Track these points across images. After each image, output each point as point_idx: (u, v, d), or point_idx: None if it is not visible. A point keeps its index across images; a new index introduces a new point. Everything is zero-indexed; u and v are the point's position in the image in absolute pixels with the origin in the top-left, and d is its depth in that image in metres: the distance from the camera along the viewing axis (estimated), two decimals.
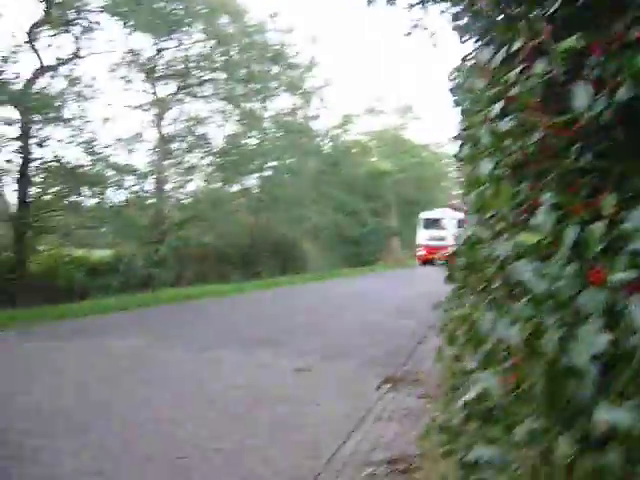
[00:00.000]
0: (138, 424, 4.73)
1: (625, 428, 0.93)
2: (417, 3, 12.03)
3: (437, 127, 79.86)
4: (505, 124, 2.16)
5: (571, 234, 1.60)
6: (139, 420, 4.84)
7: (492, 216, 2.31)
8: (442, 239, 34.41)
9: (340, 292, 17.21)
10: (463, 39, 3.16)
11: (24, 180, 16.76)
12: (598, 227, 1.56)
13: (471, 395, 1.59)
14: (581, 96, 1.72)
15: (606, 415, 0.98)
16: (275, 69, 28.33)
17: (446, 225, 35.20)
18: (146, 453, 4.08)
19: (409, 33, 13.38)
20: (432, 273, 25.48)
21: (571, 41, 1.75)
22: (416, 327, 9.86)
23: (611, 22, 1.80)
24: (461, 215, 37.20)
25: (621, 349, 1.31)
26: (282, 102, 31.23)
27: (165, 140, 23.67)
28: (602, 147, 1.88)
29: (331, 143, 35.54)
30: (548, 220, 1.64)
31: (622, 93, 1.48)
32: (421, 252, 36.53)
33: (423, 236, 36.54)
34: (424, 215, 37.62)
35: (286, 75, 29.29)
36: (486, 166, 2.23)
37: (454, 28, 3.24)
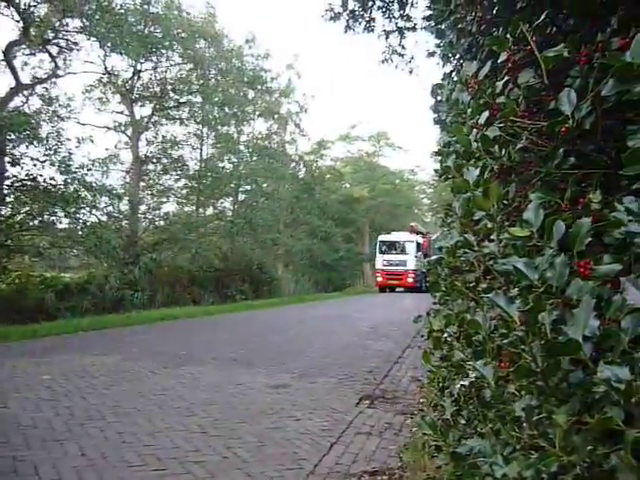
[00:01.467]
0: (117, 436, 4.69)
1: (627, 382, 1.00)
2: (394, 31, 12.30)
3: (411, 154, 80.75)
4: (492, 132, 2.26)
5: (560, 228, 1.68)
6: (118, 432, 4.80)
7: (478, 221, 2.40)
8: (400, 264, 34.33)
9: (313, 315, 17.22)
10: (447, 56, 3.29)
11: None
12: (585, 222, 1.65)
13: (465, 382, 1.64)
14: (566, 100, 1.82)
15: (608, 372, 1.05)
16: (251, 93, 28.58)
17: (405, 249, 34.92)
18: (126, 464, 4.05)
19: (385, 60, 13.64)
20: (405, 298, 25.65)
21: (558, 49, 1.85)
22: (390, 348, 9.92)
23: (594, 32, 1.91)
24: (419, 238, 34.49)
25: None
26: (258, 126, 31.50)
27: (140, 161, 23.63)
28: (585, 151, 1.99)
29: (305, 168, 35.71)
30: (537, 215, 1.72)
31: (607, 89, 1.58)
32: (379, 277, 35.41)
33: (381, 261, 35.29)
34: (382, 238, 36.53)
35: (262, 99, 29.57)
36: (473, 172, 2.32)
37: (437, 45, 3.36)
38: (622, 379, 1.04)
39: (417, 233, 37.18)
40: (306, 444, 4.64)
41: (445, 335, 2.59)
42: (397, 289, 35.02)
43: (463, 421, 2.15)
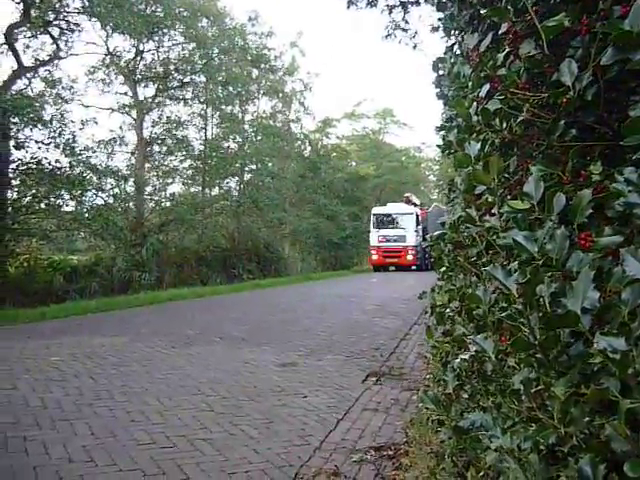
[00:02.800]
0: (126, 415, 4.74)
1: (623, 352, 1.00)
2: (397, 5, 12.15)
3: (417, 131, 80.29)
4: (493, 104, 2.23)
5: (561, 201, 1.67)
6: (127, 411, 4.85)
7: (480, 195, 2.38)
8: (398, 239, 31.01)
9: (321, 293, 17.27)
10: (447, 29, 3.24)
11: (3, 182, 16.59)
12: (586, 193, 1.63)
13: (465, 356, 1.64)
14: (567, 71, 1.80)
15: (604, 342, 1.05)
16: (255, 72, 28.41)
17: (403, 222, 31.60)
18: (135, 442, 4.09)
19: (388, 35, 13.50)
20: (409, 275, 25.60)
21: (559, 19, 1.81)
22: (397, 326, 9.95)
23: (596, 1, 1.88)
24: (418, 210, 31.98)
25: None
26: (262, 105, 31.35)
27: (145, 143, 23.59)
28: (587, 123, 1.96)
29: (311, 147, 35.54)
30: (537, 188, 1.71)
31: (606, 57, 1.55)
32: (374, 255, 32.01)
33: (375, 237, 31.93)
34: (376, 211, 32.98)
35: (266, 78, 29.38)
36: (475, 146, 2.30)
37: (439, 19, 3.32)
38: (618, 349, 1.03)
39: (413, 204, 34.22)
40: (313, 421, 4.67)
41: (448, 310, 2.59)
42: (390, 268, 31.96)
43: (466, 395, 2.15)
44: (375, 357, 7.25)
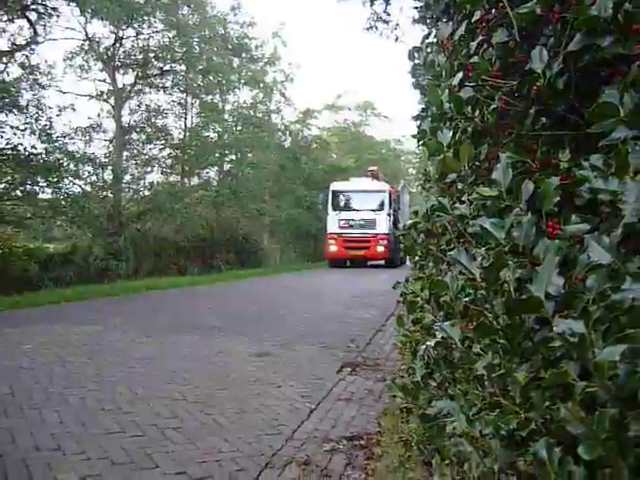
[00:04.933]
0: (97, 403, 4.69)
1: (580, 335, 0.99)
2: None
3: (396, 124, 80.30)
4: (465, 92, 2.22)
5: (529, 188, 1.66)
6: (98, 399, 4.80)
7: (452, 183, 2.38)
8: (367, 225, 24.12)
9: (298, 284, 17.27)
10: (424, 17, 3.23)
11: None
12: (554, 180, 1.63)
13: (432, 343, 1.64)
14: (538, 58, 1.79)
15: (563, 326, 1.04)
16: (236, 62, 28.22)
17: (371, 203, 24.51)
18: (105, 431, 4.05)
19: (370, 27, 13.47)
20: (385, 269, 25.25)
21: (530, 6, 1.81)
22: (373, 316, 9.97)
23: None
24: (390, 187, 25.42)
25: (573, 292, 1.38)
26: (243, 95, 31.16)
27: (124, 130, 23.36)
28: (558, 112, 1.96)
29: (291, 138, 35.36)
30: (506, 175, 1.70)
31: (574, 43, 1.55)
32: (332, 246, 24.71)
33: (336, 221, 24.65)
34: (336, 187, 25.61)
35: (247, 68, 29.21)
36: (447, 134, 2.30)
37: (415, 7, 3.30)
38: (576, 332, 1.03)
39: (378, 180, 27.22)
40: (285, 410, 4.66)
41: (418, 299, 2.59)
42: (347, 263, 25.18)
43: (434, 383, 2.15)
44: (350, 348, 7.25)
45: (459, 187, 2.09)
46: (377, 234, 24.10)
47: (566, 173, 1.73)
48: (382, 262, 25.26)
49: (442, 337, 1.68)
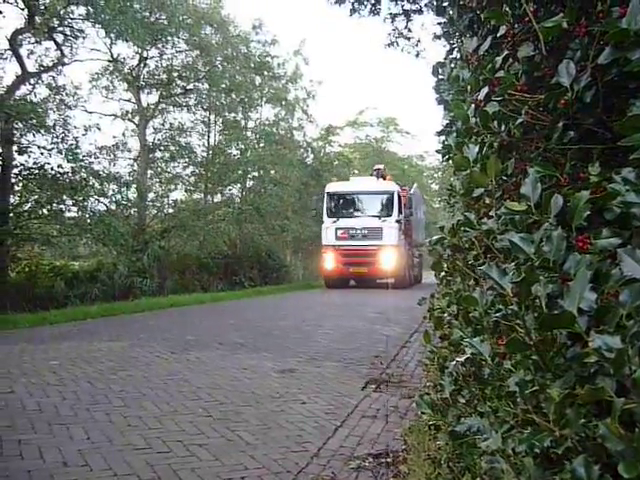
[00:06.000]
0: (123, 420, 4.71)
1: (617, 350, 0.98)
2: (400, 14, 12.17)
3: (419, 140, 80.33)
4: (491, 107, 2.22)
5: (558, 202, 1.65)
6: (124, 416, 4.82)
7: (478, 198, 2.37)
8: (371, 234, 19.58)
9: (321, 301, 17.25)
10: (447, 34, 3.24)
11: (5, 187, 16.63)
12: (584, 194, 1.61)
13: (460, 359, 1.62)
14: (565, 72, 1.78)
15: (599, 341, 1.03)
16: (258, 80, 28.50)
17: (375, 207, 20.19)
18: (131, 447, 4.06)
19: (391, 43, 13.52)
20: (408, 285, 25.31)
21: (556, 20, 1.80)
22: (398, 333, 9.91)
23: (594, 3, 1.87)
24: (399, 188, 20.64)
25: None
26: (265, 113, 31.39)
27: (148, 149, 23.65)
28: (586, 125, 1.95)
29: (313, 155, 35.53)
30: (535, 189, 1.69)
31: (604, 56, 1.54)
32: (330, 261, 20.20)
33: (332, 231, 20.19)
34: (332, 189, 21.14)
35: (269, 86, 29.47)
36: (473, 149, 2.29)
37: (439, 23, 3.32)
38: (613, 347, 1.01)
39: (385, 180, 22.18)
40: (311, 427, 4.64)
41: (445, 315, 2.57)
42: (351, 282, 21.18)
43: (463, 400, 2.13)
44: (375, 364, 7.21)
45: (486, 202, 2.08)
46: (383, 245, 19.50)
47: (595, 187, 1.71)
48: (390, 281, 19.79)
49: (472, 353, 1.67)
